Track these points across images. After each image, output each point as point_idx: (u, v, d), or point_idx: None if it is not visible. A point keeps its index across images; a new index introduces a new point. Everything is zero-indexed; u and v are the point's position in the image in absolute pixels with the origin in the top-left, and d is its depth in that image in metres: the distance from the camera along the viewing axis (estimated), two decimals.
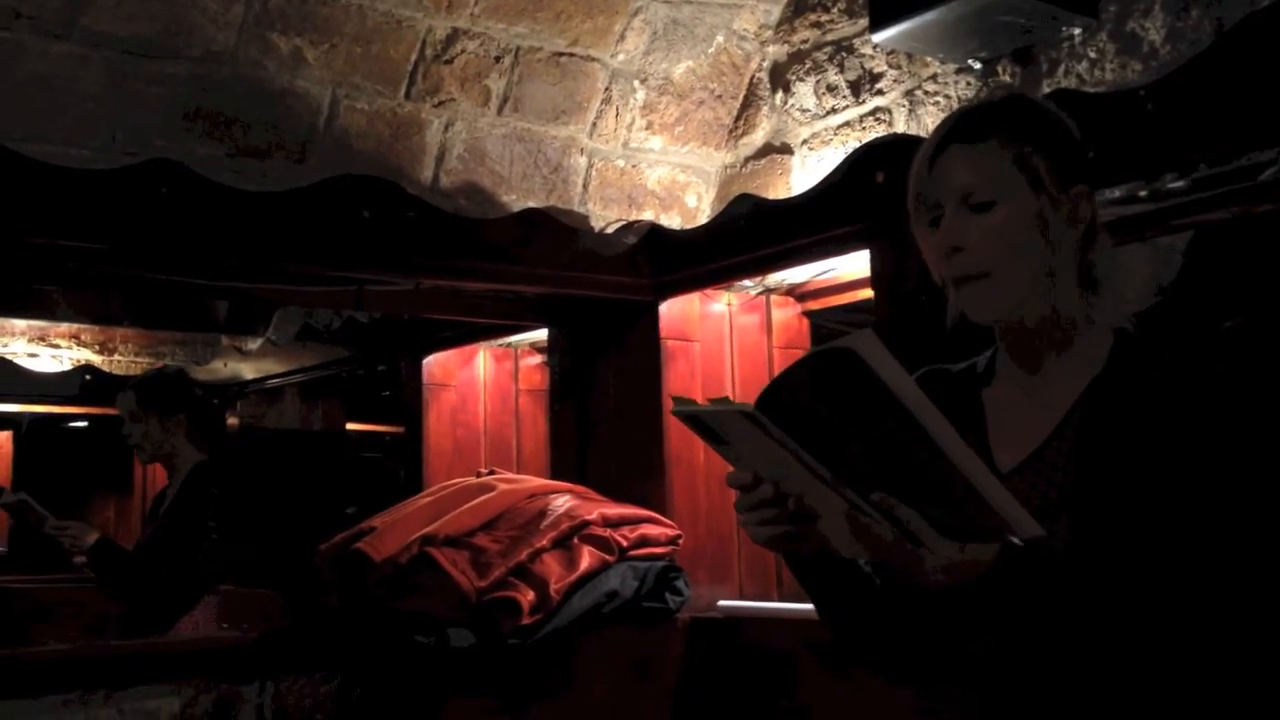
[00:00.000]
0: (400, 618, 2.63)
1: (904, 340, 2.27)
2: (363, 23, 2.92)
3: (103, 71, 2.68)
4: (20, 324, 4.64)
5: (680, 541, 2.93)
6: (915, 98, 2.96)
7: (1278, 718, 1.25)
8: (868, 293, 2.65)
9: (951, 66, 2.84)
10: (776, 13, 3.33)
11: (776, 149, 3.36)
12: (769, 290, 3.22)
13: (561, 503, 2.85)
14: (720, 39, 3.36)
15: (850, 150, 2.83)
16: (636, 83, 3.34)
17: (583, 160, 3.38)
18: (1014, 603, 1.22)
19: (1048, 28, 2.58)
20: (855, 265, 2.84)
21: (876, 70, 3.06)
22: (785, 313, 3.26)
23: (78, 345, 4.85)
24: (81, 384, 5.17)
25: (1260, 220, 2.02)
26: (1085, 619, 1.22)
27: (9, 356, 4.76)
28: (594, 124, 3.34)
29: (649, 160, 3.47)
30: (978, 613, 1.27)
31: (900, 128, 2.97)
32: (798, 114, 3.29)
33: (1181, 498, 1.23)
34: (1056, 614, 1.23)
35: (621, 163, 3.44)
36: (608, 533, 2.79)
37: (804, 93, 3.26)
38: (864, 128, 3.09)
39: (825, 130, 3.22)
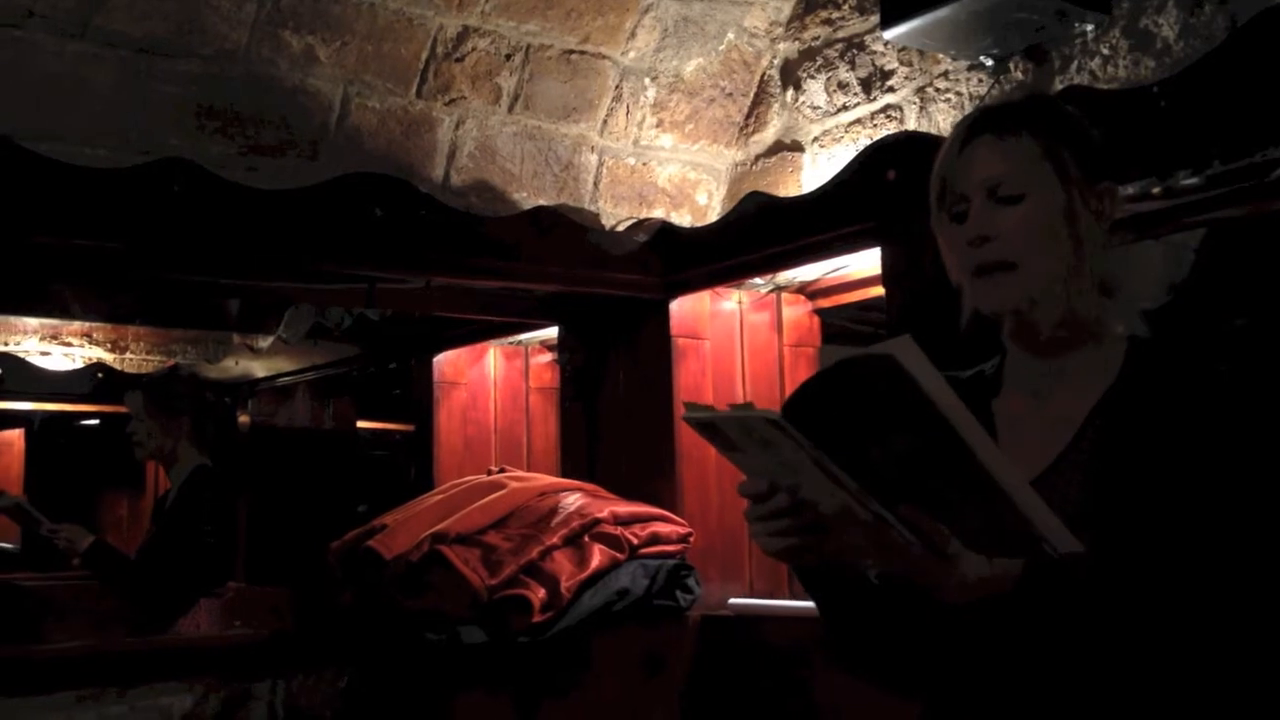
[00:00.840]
0: (411, 615, 2.63)
1: (916, 339, 2.26)
2: (374, 21, 2.93)
3: (116, 70, 2.69)
4: (33, 322, 4.66)
5: (691, 539, 2.93)
6: (927, 95, 2.95)
7: None
8: (879, 290, 2.65)
9: (963, 63, 2.83)
10: (787, 10, 3.32)
11: (787, 146, 3.35)
12: (780, 288, 3.22)
13: (572, 501, 2.86)
14: (731, 36, 3.35)
15: (861, 148, 2.83)
16: (647, 80, 3.34)
17: (593, 158, 3.38)
18: (1038, 618, 1.20)
19: (1060, 24, 2.57)
20: (866, 263, 2.84)
21: (888, 67, 3.05)
22: (796, 310, 3.26)
23: (90, 344, 4.87)
24: (93, 382, 5.19)
25: (1274, 217, 2.01)
26: (1108, 634, 1.20)
27: (21, 355, 4.78)
28: (605, 122, 3.34)
29: (660, 158, 3.47)
30: (1000, 628, 1.23)
31: (911, 125, 2.96)
32: (809, 111, 3.28)
33: (1205, 510, 1.21)
34: (1080, 630, 1.20)
35: (632, 160, 3.44)
36: (619, 531, 2.79)
37: (815, 90, 3.26)
38: (875, 125, 3.09)
39: (836, 128, 3.21)
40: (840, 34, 3.20)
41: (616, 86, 3.32)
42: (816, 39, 3.26)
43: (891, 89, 3.05)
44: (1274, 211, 1.99)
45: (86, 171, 2.44)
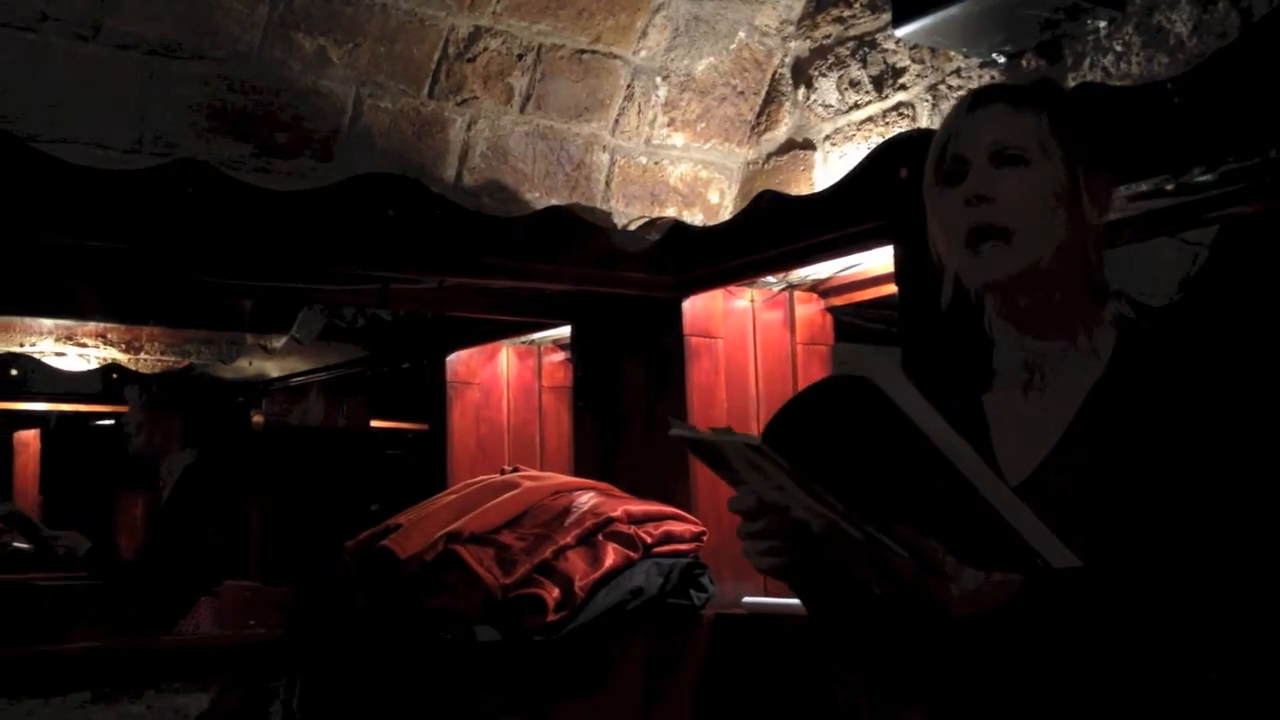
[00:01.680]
0: (426, 615, 2.64)
1: (929, 336, 2.26)
2: (386, 22, 2.93)
3: (129, 72, 2.70)
4: (48, 323, 4.67)
5: (704, 538, 2.93)
6: (939, 92, 2.95)
7: None
8: (892, 288, 2.64)
9: (975, 61, 2.83)
10: (798, 8, 3.32)
11: (799, 145, 3.35)
12: (792, 286, 3.22)
13: (586, 500, 2.86)
14: (742, 35, 3.35)
15: (873, 146, 2.82)
16: (659, 79, 3.34)
17: (605, 157, 3.38)
18: (1038, 629, 1.17)
19: (1073, 20, 2.57)
20: (879, 260, 2.83)
21: (899, 65, 3.05)
22: (809, 308, 3.25)
23: (104, 344, 4.88)
24: (108, 383, 5.21)
25: None
26: (1107, 642, 1.17)
27: (37, 356, 4.80)
28: (616, 121, 3.34)
29: (671, 157, 3.47)
30: (1000, 639, 1.21)
31: (923, 123, 2.95)
32: (820, 109, 3.28)
33: (1199, 508, 1.18)
34: (1080, 639, 1.18)
35: (644, 160, 3.44)
36: (632, 529, 2.79)
37: (826, 88, 3.25)
38: (887, 123, 3.08)
39: (848, 126, 3.21)
40: (852, 32, 3.19)
41: (628, 86, 3.32)
42: (828, 37, 3.26)
43: (903, 87, 3.04)
44: None
45: (100, 173, 2.45)
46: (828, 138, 3.26)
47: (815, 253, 2.84)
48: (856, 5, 3.18)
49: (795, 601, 3.05)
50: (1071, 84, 2.55)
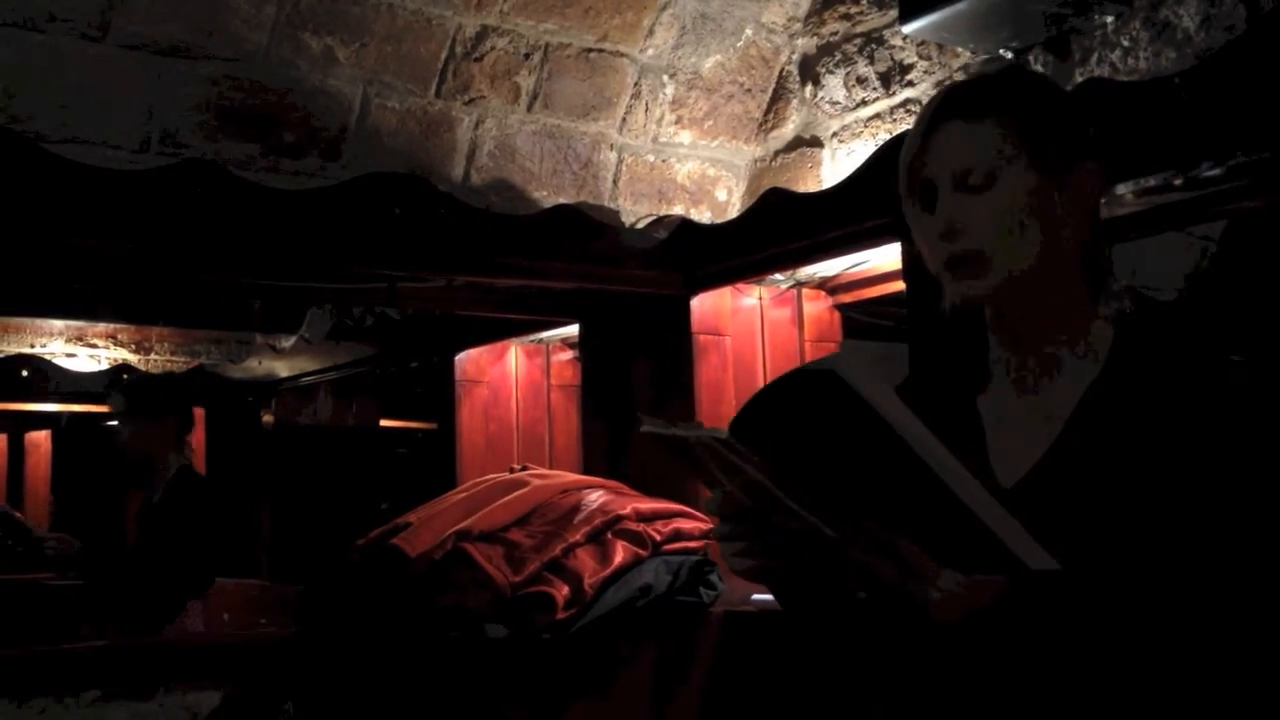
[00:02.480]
0: (435, 613, 2.64)
1: (928, 337, 2.26)
2: (393, 21, 2.94)
3: (138, 73, 2.71)
4: (58, 324, 4.69)
5: (714, 535, 2.93)
6: None
7: None
8: (900, 285, 2.64)
9: (982, 57, 2.82)
10: (805, 5, 3.32)
11: (806, 142, 3.35)
12: (800, 283, 3.22)
13: (595, 497, 2.86)
14: (749, 32, 3.35)
15: (881, 142, 2.82)
16: (665, 77, 3.34)
17: (612, 156, 3.38)
18: (1023, 632, 1.14)
19: (1080, 16, 2.56)
20: (887, 257, 2.83)
21: (907, 61, 3.04)
22: (817, 306, 3.25)
23: (115, 345, 4.90)
24: (118, 384, 5.23)
25: None
26: (1096, 646, 1.15)
27: (47, 356, 4.82)
28: (623, 119, 3.35)
29: (679, 155, 3.47)
30: (986, 641, 1.17)
31: None
32: (827, 107, 3.28)
33: (1194, 509, 1.14)
34: (1068, 642, 1.15)
35: (651, 158, 3.44)
36: (641, 527, 2.79)
37: (834, 85, 3.25)
38: (894, 120, 3.08)
39: (855, 123, 3.20)
40: (859, 28, 3.19)
41: (635, 84, 3.32)
42: (835, 34, 3.25)
43: (910, 83, 3.04)
44: None
45: (109, 174, 2.46)
46: (835, 135, 3.26)
47: (823, 250, 2.83)
48: (863, 2, 3.18)
49: None
50: (1079, 79, 2.54)
